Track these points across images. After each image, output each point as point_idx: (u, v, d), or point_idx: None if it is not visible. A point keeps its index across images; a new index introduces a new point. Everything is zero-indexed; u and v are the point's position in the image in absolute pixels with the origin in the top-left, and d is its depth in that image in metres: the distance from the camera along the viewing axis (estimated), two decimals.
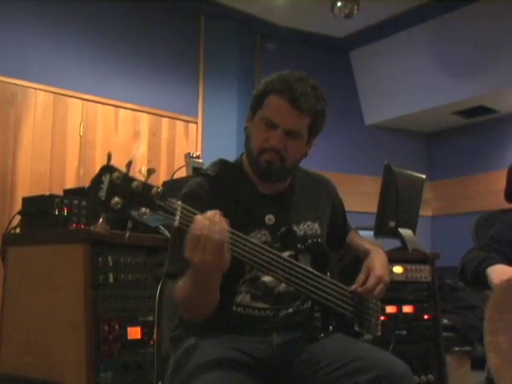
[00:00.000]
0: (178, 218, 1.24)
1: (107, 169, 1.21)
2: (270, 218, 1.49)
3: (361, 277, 1.57)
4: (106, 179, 1.19)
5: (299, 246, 1.52)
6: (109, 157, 1.24)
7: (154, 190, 1.22)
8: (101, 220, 1.19)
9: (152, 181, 1.25)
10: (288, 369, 1.49)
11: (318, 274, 1.49)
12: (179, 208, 1.25)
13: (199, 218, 1.25)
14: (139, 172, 1.25)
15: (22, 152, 4.19)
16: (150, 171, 1.25)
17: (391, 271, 2.76)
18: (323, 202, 1.69)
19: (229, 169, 1.58)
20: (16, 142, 4.18)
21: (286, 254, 1.45)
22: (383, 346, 1.67)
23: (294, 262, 1.43)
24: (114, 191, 1.19)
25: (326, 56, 5.87)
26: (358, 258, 1.68)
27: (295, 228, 1.56)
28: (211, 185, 1.51)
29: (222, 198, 1.49)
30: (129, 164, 1.24)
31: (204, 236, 1.22)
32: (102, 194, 1.19)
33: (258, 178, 1.55)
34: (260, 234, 1.50)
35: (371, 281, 1.54)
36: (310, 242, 1.54)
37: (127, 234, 1.22)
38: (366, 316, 1.61)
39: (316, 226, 1.62)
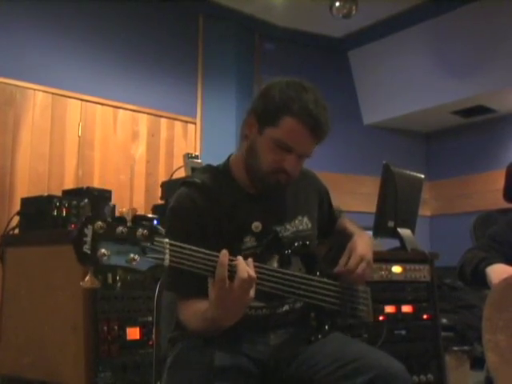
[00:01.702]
0: (167, 256, 1.21)
1: (88, 220, 1.15)
2: (256, 226, 1.48)
3: (343, 259, 1.56)
4: (88, 231, 1.14)
5: (286, 251, 1.51)
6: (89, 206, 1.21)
7: (139, 232, 1.17)
8: (89, 275, 1.15)
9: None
10: (286, 370, 1.49)
11: (306, 276, 1.48)
12: (167, 246, 1.21)
13: (243, 263, 1.27)
14: (119, 214, 1.21)
15: (20, 153, 4.19)
16: (133, 211, 1.21)
17: (390, 271, 2.77)
18: (310, 194, 1.69)
19: (215, 175, 1.56)
20: (15, 143, 4.18)
21: (274, 261, 1.46)
22: (381, 345, 1.68)
23: (280, 270, 1.43)
24: (98, 242, 1.14)
25: (325, 56, 5.88)
26: (345, 245, 1.67)
27: (287, 226, 1.56)
28: (199, 194, 1.49)
29: (210, 208, 1.47)
30: (111, 208, 1.21)
31: (253, 279, 1.26)
32: (87, 247, 1.13)
33: (258, 190, 1.54)
34: (246, 239, 1.50)
35: (352, 260, 1.53)
36: (296, 245, 1.53)
37: (118, 285, 1.18)
38: (358, 305, 1.61)
39: (306, 219, 1.62)
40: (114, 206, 2.64)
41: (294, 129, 1.44)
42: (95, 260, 1.14)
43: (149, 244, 1.19)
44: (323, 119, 1.44)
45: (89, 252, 1.13)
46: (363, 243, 1.60)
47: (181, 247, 1.23)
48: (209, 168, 1.60)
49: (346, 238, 1.67)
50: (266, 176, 1.48)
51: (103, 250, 1.13)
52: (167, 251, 1.21)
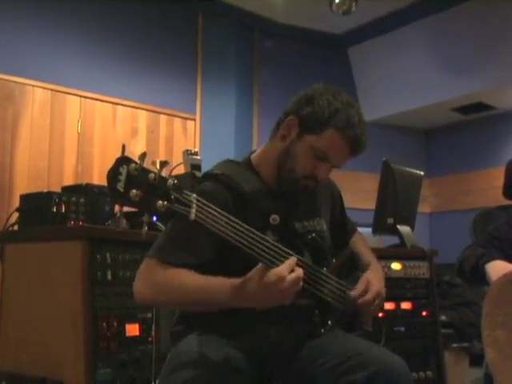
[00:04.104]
0: (194, 210, 1.21)
1: (124, 160, 1.16)
2: (274, 218, 1.47)
3: (360, 285, 1.59)
4: (123, 171, 1.15)
5: (298, 242, 1.52)
6: (123, 148, 1.22)
7: (170, 181, 1.19)
8: (146, 227, 1.14)
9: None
10: (286, 366, 1.50)
11: (318, 268, 1.49)
12: (194, 201, 1.22)
13: (293, 261, 1.30)
14: (152, 164, 1.22)
15: (19, 149, 4.18)
16: (164, 163, 1.22)
17: (389, 267, 2.77)
18: (325, 198, 1.72)
19: (235, 167, 1.57)
20: (14, 139, 4.17)
21: None
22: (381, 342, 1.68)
23: (293, 254, 1.43)
24: (131, 183, 1.15)
25: (324, 52, 5.87)
26: (352, 258, 1.72)
27: (305, 223, 1.58)
28: (221, 185, 1.50)
29: (231, 198, 1.48)
30: (143, 156, 1.21)
31: (297, 282, 1.28)
32: (121, 185, 1.14)
33: (282, 188, 1.55)
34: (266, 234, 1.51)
35: (371, 294, 1.57)
36: (309, 237, 1.55)
37: (145, 228, 1.16)
38: (359, 312, 1.62)
39: (322, 221, 1.65)
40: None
41: (335, 142, 1.48)
42: (127, 198, 1.14)
43: (178, 195, 1.19)
44: (364, 137, 1.50)
45: (122, 190, 1.14)
46: (379, 278, 1.64)
47: (207, 206, 1.24)
48: (228, 161, 1.61)
49: (360, 262, 1.72)
50: (297, 181, 1.52)
51: (135, 191, 1.14)
52: (194, 205, 1.21)
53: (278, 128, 1.57)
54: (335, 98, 1.50)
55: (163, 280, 1.40)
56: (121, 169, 1.15)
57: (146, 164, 1.20)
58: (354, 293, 1.56)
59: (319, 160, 1.50)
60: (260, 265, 1.29)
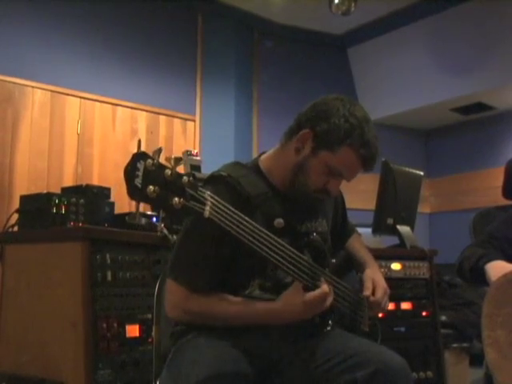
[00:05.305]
0: (208, 208, 1.21)
1: (141, 155, 1.16)
2: (279, 222, 1.48)
3: (367, 285, 1.62)
4: (140, 166, 1.14)
5: (299, 242, 1.52)
6: (139, 143, 1.21)
7: (185, 178, 1.18)
8: (162, 224, 1.16)
9: None
10: (287, 365, 1.50)
11: (321, 269, 1.49)
12: (209, 198, 1.22)
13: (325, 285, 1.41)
14: (166, 160, 1.22)
15: (19, 150, 4.18)
16: (178, 160, 1.22)
17: (389, 268, 2.78)
18: (328, 199, 1.71)
19: (241, 170, 1.56)
20: (14, 140, 4.17)
21: None
22: (382, 341, 1.68)
23: (300, 255, 1.45)
24: (148, 179, 1.14)
25: (324, 53, 5.87)
26: (350, 259, 1.75)
27: (308, 225, 1.59)
28: (226, 189, 1.48)
29: (237, 202, 1.45)
30: (159, 151, 1.20)
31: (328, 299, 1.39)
32: (139, 181, 1.13)
33: (295, 198, 1.56)
34: None
35: (379, 293, 1.60)
36: (310, 237, 1.55)
37: (161, 225, 1.16)
38: (359, 311, 1.63)
39: (324, 222, 1.65)
40: (113, 203, 2.64)
41: (350, 159, 1.49)
42: (144, 195, 1.14)
43: (193, 192, 1.19)
44: (377, 154, 1.52)
45: (140, 186, 1.13)
46: (381, 275, 1.68)
47: (221, 204, 1.24)
48: (235, 163, 1.61)
49: (356, 261, 1.74)
50: (309, 193, 1.53)
51: (152, 187, 1.13)
52: (208, 203, 1.21)
53: (291, 135, 1.55)
54: (351, 113, 1.49)
55: (198, 309, 1.44)
56: (138, 164, 1.14)
57: (160, 160, 1.20)
58: (366, 293, 1.60)
59: (332, 176, 1.51)
60: (291, 281, 1.38)
